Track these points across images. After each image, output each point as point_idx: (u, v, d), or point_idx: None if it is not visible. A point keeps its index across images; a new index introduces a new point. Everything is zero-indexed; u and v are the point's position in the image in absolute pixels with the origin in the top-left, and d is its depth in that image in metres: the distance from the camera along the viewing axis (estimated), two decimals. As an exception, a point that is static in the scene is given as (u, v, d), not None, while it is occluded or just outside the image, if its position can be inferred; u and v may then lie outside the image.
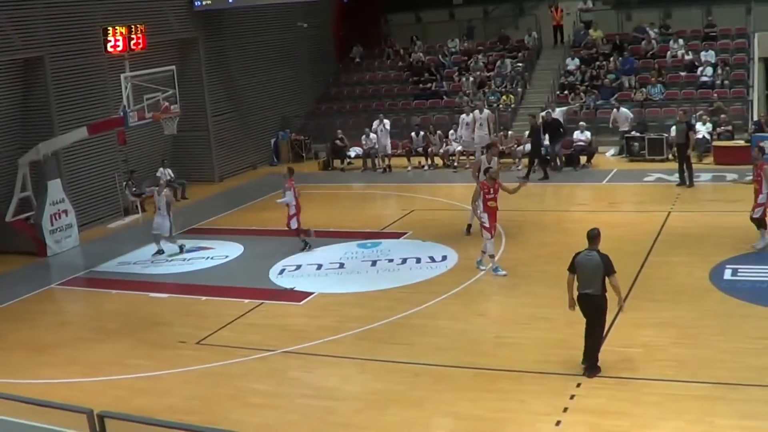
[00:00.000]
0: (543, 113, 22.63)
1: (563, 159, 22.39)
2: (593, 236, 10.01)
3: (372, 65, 30.60)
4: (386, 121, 24.54)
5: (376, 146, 24.55)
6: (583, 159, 22.53)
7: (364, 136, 24.79)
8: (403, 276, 14.66)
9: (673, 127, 20.92)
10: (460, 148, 23.59)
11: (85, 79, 20.15)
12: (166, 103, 17.67)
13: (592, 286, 9.80)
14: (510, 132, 23.78)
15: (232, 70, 25.80)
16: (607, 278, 9.76)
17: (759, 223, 14.23)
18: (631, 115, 23.39)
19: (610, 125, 23.43)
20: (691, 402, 9.16)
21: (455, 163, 23.80)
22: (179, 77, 19.11)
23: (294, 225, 16.42)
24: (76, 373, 11.57)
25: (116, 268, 16.76)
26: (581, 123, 23.16)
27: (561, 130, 21.95)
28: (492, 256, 14.24)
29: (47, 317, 14.27)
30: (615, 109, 23.56)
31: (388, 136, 24.40)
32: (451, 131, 24.28)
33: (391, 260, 15.60)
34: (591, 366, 9.99)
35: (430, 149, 24.22)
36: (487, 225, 14.12)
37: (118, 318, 13.80)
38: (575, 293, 10.05)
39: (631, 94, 24.89)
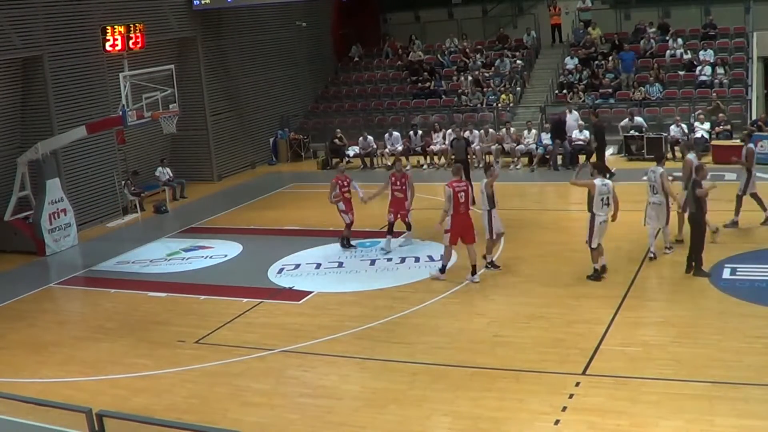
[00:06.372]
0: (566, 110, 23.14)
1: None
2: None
3: (371, 64, 30.57)
4: (396, 134, 25.02)
5: (374, 145, 24.79)
6: (582, 158, 22.52)
7: (361, 138, 24.83)
8: (402, 275, 14.66)
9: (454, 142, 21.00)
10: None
11: (84, 78, 20.14)
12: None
13: (690, 207, 13.23)
14: (512, 129, 23.76)
15: (231, 69, 25.80)
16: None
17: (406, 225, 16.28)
18: (580, 121, 23.15)
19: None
20: (690, 401, 9.15)
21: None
22: (178, 76, 19.14)
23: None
24: (75, 372, 11.57)
25: (115, 267, 16.77)
26: (579, 122, 23.14)
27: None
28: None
29: (46, 316, 14.27)
30: (567, 111, 23.27)
31: (399, 141, 24.97)
32: (449, 131, 24.26)
33: (390, 259, 15.61)
34: (699, 269, 13.06)
35: (429, 148, 24.27)
36: None
37: (117, 317, 13.80)
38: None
39: (630, 93, 24.90)
